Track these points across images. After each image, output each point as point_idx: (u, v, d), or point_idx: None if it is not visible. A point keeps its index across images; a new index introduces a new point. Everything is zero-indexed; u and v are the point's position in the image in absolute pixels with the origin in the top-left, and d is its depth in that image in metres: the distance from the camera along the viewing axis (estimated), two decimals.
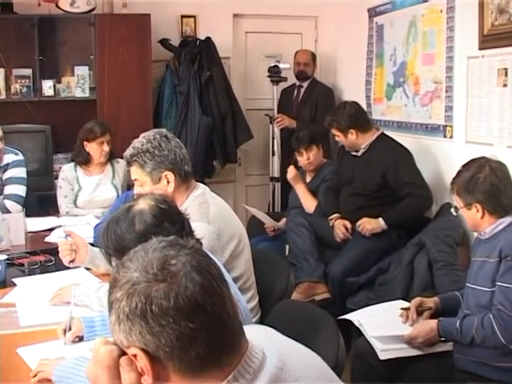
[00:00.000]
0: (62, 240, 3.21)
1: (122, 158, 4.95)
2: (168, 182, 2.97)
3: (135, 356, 1.24)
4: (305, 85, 6.50)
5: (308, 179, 5.30)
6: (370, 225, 4.59)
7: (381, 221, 4.57)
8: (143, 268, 1.24)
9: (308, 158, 5.18)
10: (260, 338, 1.37)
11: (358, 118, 4.74)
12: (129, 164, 3.04)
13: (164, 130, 3.13)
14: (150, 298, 1.20)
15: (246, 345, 1.29)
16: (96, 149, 4.90)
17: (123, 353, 1.28)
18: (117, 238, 2.11)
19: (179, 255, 1.26)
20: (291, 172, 5.23)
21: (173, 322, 1.18)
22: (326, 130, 5.36)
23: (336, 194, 4.98)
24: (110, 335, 1.30)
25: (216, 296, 1.23)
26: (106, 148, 4.91)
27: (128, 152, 3.02)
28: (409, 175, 4.56)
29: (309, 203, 5.09)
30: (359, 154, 4.76)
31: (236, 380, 1.23)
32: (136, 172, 3.01)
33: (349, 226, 4.72)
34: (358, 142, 4.72)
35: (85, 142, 4.90)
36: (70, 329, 2.51)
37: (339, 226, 4.74)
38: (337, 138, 4.86)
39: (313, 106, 6.31)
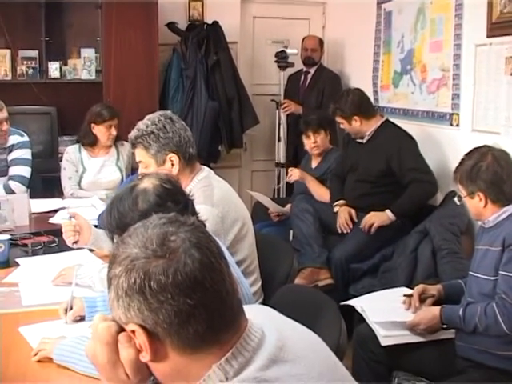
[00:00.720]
0: (66, 221, 3.21)
1: (126, 140, 4.99)
2: (172, 165, 2.95)
3: (133, 332, 1.24)
4: (312, 71, 6.48)
5: (314, 165, 5.29)
6: (378, 218, 4.56)
7: (388, 212, 4.55)
8: (142, 244, 1.24)
9: (315, 141, 5.17)
10: (260, 317, 1.37)
11: (362, 105, 4.73)
12: (133, 146, 3.03)
13: (169, 112, 3.11)
14: (148, 274, 1.20)
15: (245, 323, 1.29)
16: (104, 132, 4.90)
17: (122, 329, 1.28)
18: (119, 216, 2.11)
19: (179, 232, 1.25)
20: (295, 173, 5.19)
21: (171, 299, 1.18)
22: (325, 117, 5.35)
23: (341, 180, 4.97)
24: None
25: (215, 273, 1.23)
26: (114, 132, 4.92)
27: (132, 134, 3.01)
28: (413, 161, 4.55)
29: (323, 193, 5.06)
30: (364, 141, 4.76)
31: (234, 358, 1.23)
32: (140, 154, 3.00)
33: (353, 214, 4.71)
34: (363, 128, 4.71)
35: (92, 124, 4.90)
36: (71, 308, 2.51)
37: (344, 214, 4.73)
38: (341, 126, 4.86)
39: (319, 92, 6.29)
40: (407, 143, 4.63)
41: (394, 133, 4.69)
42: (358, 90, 4.90)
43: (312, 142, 5.18)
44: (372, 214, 4.59)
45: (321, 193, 5.06)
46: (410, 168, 4.52)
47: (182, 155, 2.97)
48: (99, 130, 4.91)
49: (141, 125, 3.01)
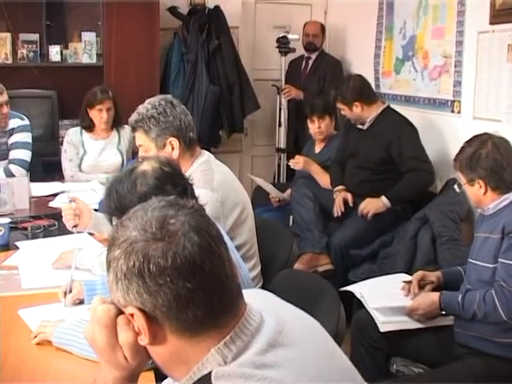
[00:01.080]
0: (66, 205, 3.21)
1: (127, 124, 5.00)
2: (173, 149, 2.95)
3: (132, 315, 1.24)
4: (313, 56, 6.45)
5: (317, 150, 5.29)
6: (373, 205, 4.57)
7: (384, 199, 4.55)
8: (142, 227, 1.23)
9: (319, 126, 5.16)
10: (259, 301, 1.37)
11: (363, 91, 4.72)
12: (133, 130, 3.02)
13: (169, 96, 3.10)
14: (147, 257, 1.19)
15: (244, 307, 1.29)
16: (96, 116, 4.89)
17: (121, 312, 1.28)
18: (118, 198, 2.11)
19: (178, 215, 1.25)
20: (300, 162, 5.16)
21: (170, 282, 1.18)
22: (330, 103, 5.33)
23: (341, 166, 4.97)
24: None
25: (214, 256, 1.23)
26: (105, 115, 4.87)
27: (133, 118, 3.00)
28: (412, 149, 4.54)
29: (327, 181, 5.04)
30: (365, 127, 4.75)
31: (233, 342, 1.23)
32: (141, 138, 3.00)
33: (350, 199, 4.71)
34: (364, 114, 4.70)
35: (88, 109, 4.90)
36: (70, 291, 2.52)
37: (339, 198, 4.74)
38: (342, 112, 4.85)
39: (321, 77, 6.28)
40: (408, 131, 4.62)
41: (395, 120, 4.68)
42: (359, 76, 4.89)
43: (316, 127, 5.18)
44: (367, 200, 4.60)
45: (325, 180, 5.04)
46: (409, 156, 4.52)
47: (182, 139, 2.96)
48: (93, 114, 4.90)
49: (141, 108, 3.00)
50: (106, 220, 2.25)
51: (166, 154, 2.86)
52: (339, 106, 4.79)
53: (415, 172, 4.51)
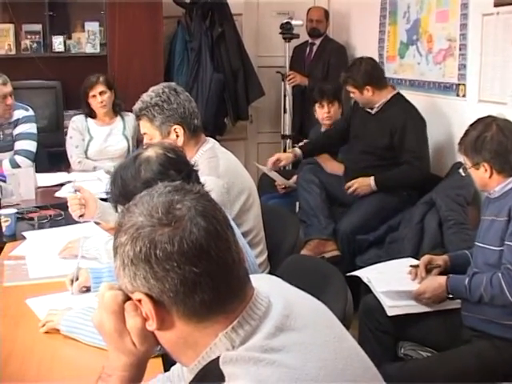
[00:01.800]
0: (71, 195, 3.22)
1: (132, 112, 5.00)
2: (177, 136, 2.94)
3: (140, 301, 1.24)
4: (317, 42, 6.43)
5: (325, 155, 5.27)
6: (361, 186, 4.60)
7: (372, 181, 4.58)
8: (148, 212, 1.24)
9: (329, 111, 5.16)
10: (266, 286, 1.37)
11: (374, 75, 4.68)
12: (138, 118, 3.02)
13: (173, 84, 3.10)
14: (154, 242, 1.19)
15: (251, 291, 1.29)
16: (93, 102, 4.93)
17: (128, 298, 1.28)
18: (122, 184, 2.12)
19: (184, 200, 1.25)
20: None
21: (177, 267, 1.18)
22: (339, 88, 5.30)
23: (327, 140, 5.09)
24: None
25: (221, 241, 1.23)
26: (99, 98, 4.90)
27: (137, 106, 3.00)
28: (412, 143, 4.52)
29: (335, 167, 5.02)
30: (373, 111, 4.72)
31: (241, 326, 1.23)
32: (145, 126, 2.99)
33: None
34: (374, 98, 4.66)
35: (86, 97, 4.95)
36: (77, 279, 2.53)
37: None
38: (352, 95, 4.81)
39: (325, 63, 6.26)
40: (413, 123, 4.58)
41: (404, 108, 4.64)
42: (371, 59, 4.85)
43: (325, 112, 5.17)
44: (357, 180, 4.62)
45: (332, 166, 5.03)
46: (408, 149, 4.51)
47: (186, 127, 2.96)
48: (91, 102, 4.95)
49: (145, 97, 2.99)
50: (112, 209, 2.26)
51: (171, 142, 2.86)
52: (350, 89, 4.73)
53: (408, 166, 4.51)
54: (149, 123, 2.96)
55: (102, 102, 4.91)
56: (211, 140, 3.12)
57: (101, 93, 4.91)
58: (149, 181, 2.01)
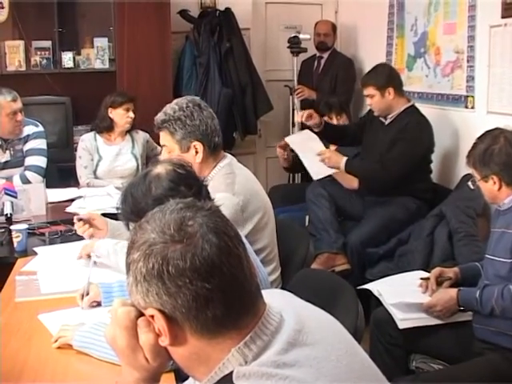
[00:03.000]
0: (77, 224, 3.25)
1: (141, 129, 5.02)
2: (196, 152, 2.93)
3: (152, 317, 1.25)
4: (325, 56, 6.46)
5: (332, 148, 5.26)
6: (333, 160, 4.65)
7: (342, 163, 4.61)
8: (160, 229, 1.25)
9: (338, 124, 5.16)
10: (278, 301, 1.38)
11: (396, 79, 4.71)
12: (159, 129, 3.00)
13: (197, 99, 3.07)
14: (166, 259, 1.20)
15: (263, 307, 1.30)
16: (122, 115, 4.92)
17: (141, 314, 1.29)
18: (133, 202, 2.13)
19: (196, 216, 1.26)
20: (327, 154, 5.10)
21: (189, 283, 1.19)
22: (346, 101, 5.31)
23: (354, 129, 5.12)
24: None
25: (233, 257, 1.24)
26: (132, 114, 4.93)
27: (159, 117, 2.98)
28: (395, 154, 4.53)
29: (350, 181, 4.93)
30: (386, 122, 4.72)
31: (253, 341, 1.24)
32: (166, 138, 2.98)
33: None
34: (393, 104, 4.65)
35: (110, 109, 4.92)
36: (87, 294, 2.54)
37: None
38: (369, 101, 4.73)
39: (333, 77, 6.28)
40: (413, 137, 4.55)
41: (413, 122, 4.61)
42: (390, 65, 4.88)
43: None
44: (332, 151, 4.75)
45: (348, 181, 5.00)
46: (391, 157, 4.54)
47: (206, 144, 2.94)
48: (117, 114, 4.93)
49: (168, 109, 2.97)
50: (123, 227, 2.27)
51: (190, 158, 2.86)
52: (370, 92, 4.67)
53: (380, 166, 4.56)
54: (169, 136, 2.95)
55: (131, 118, 4.95)
56: (229, 156, 3.11)
57: (133, 110, 4.96)
58: (160, 197, 2.02)
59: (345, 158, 4.61)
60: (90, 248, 3.00)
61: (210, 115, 2.99)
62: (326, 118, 5.21)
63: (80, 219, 3.23)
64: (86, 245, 3.08)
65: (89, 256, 2.97)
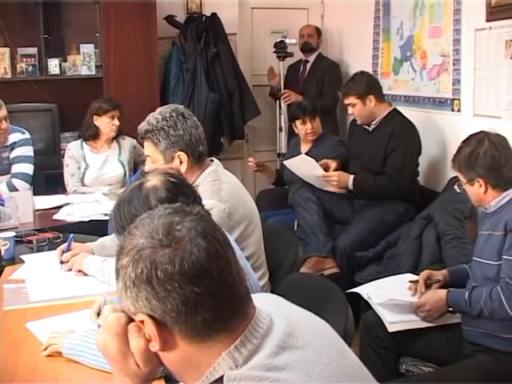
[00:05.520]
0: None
1: (128, 134, 5.01)
2: (181, 162, 2.92)
3: (142, 322, 1.25)
4: (311, 60, 6.48)
5: (303, 150, 5.25)
6: (341, 181, 4.67)
7: (350, 181, 4.65)
8: (149, 234, 1.25)
9: (312, 127, 5.17)
10: (268, 304, 1.38)
11: (376, 85, 4.76)
12: (142, 139, 3.00)
13: (181, 107, 3.05)
14: (155, 264, 1.21)
15: (253, 310, 1.30)
16: (107, 123, 4.92)
17: (131, 320, 1.29)
18: (132, 218, 2.02)
19: (184, 221, 1.26)
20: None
21: (178, 287, 1.19)
22: (333, 105, 5.32)
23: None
24: None
25: (221, 261, 1.24)
26: (117, 122, 4.92)
27: (143, 127, 2.96)
28: (398, 157, 4.59)
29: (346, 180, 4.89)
30: (370, 128, 4.75)
31: (243, 345, 1.24)
32: (149, 149, 2.97)
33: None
34: (375, 110, 4.69)
35: (95, 116, 4.92)
36: None
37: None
38: (351, 110, 4.77)
39: (319, 81, 6.31)
40: (406, 139, 4.62)
41: (400, 124, 4.67)
42: (368, 72, 4.94)
43: (309, 128, 5.17)
44: (338, 173, 4.70)
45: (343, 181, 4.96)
46: (392, 162, 4.59)
47: (191, 153, 2.93)
48: (102, 122, 4.92)
49: (151, 119, 2.95)
50: (111, 241, 2.22)
51: (174, 167, 2.83)
52: (351, 101, 4.71)
53: (387, 179, 4.61)
54: (153, 146, 2.94)
55: (116, 126, 4.93)
56: (215, 162, 3.10)
57: (119, 117, 4.95)
58: None
59: (351, 178, 4.64)
60: (79, 265, 2.97)
61: (193, 124, 2.97)
62: (298, 122, 5.22)
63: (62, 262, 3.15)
64: (74, 260, 3.02)
65: (80, 271, 2.97)
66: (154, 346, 1.26)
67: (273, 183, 5.65)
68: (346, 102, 4.78)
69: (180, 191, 2.12)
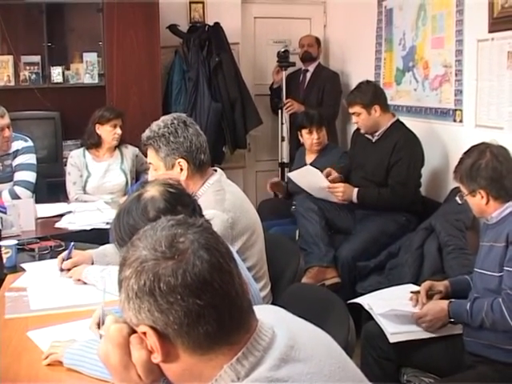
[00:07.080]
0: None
1: (130, 143, 5.02)
2: (181, 170, 2.92)
3: (145, 334, 1.25)
4: (311, 69, 6.50)
5: (308, 160, 5.29)
6: (346, 194, 4.68)
7: (354, 194, 4.66)
8: (152, 246, 1.25)
9: (319, 137, 5.19)
10: (270, 317, 1.38)
11: (382, 95, 4.76)
12: (144, 146, 3.00)
13: (183, 116, 3.06)
14: (158, 276, 1.21)
15: (255, 323, 1.30)
16: (109, 131, 4.92)
17: (134, 331, 1.29)
18: (130, 229, 2.05)
19: (187, 233, 1.27)
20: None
21: (181, 299, 1.19)
22: (333, 114, 5.33)
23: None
24: None
25: (224, 273, 1.24)
26: (119, 131, 4.93)
27: (145, 134, 2.98)
28: (402, 169, 4.59)
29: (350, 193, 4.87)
30: (373, 139, 4.75)
31: (245, 358, 1.24)
32: (151, 155, 2.98)
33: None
34: (380, 121, 4.69)
35: (97, 125, 4.92)
36: (103, 323, 2.49)
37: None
38: (356, 119, 4.76)
39: (320, 90, 6.32)
40: (409, 151, 4.63)
41: (403, 136, 4.67)
42: (374, 82, 4.94)
43: (316, 138, 5.19)
44: (344, 185, 4.71)
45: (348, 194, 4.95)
46: (396, 174, 4.60)
47: (191, 161, 2.92)
48: (104, 130, 4.93)
49: (154, 126, 2.97)
50: (113, 248, 2.21)
51: (175, 175, 2.84)
52: (356, 110, 4.70)
53: (391, 191, 4.60)
54: (154, 153, 2.95)
55: (118, 134, 4.94)
56: (218, 172, 3.09)
57: (121, 126, 4.96)
58: (157, 220, 1.99)
59: (355, 191, 4.65)
60: (78, 274, 2.99)
61: (195, 132, 2.98)
62: (304, 131, 5.25)
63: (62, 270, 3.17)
64: (74, 270, 3.04)
65: (79, 280, 2.99)
66: (156, 358, 1.26)
67: (284, 197, 5.64)
68: (351, 110, 4.76)
69: (179, 201, 2.11)
